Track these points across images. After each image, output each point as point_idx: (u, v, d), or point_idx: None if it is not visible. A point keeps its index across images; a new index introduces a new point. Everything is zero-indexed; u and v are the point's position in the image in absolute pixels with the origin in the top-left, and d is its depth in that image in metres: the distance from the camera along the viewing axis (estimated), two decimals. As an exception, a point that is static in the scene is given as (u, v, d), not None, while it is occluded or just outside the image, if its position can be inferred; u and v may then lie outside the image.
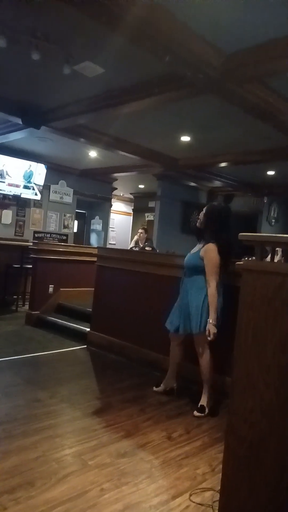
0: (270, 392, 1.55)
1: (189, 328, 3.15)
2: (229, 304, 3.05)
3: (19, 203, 9.07)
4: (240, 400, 1.63)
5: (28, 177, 8.77)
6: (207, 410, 3.07)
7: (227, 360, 2.87)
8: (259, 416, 1.57)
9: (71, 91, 5.00)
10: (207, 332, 3.00)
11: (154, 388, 3.45)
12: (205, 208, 3.26)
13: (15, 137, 7.05)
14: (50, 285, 6.02)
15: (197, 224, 3.28)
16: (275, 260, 1.75)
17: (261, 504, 1.57)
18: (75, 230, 10.92)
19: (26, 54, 3.84)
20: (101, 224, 11.32)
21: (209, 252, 3.09)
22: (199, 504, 1.98)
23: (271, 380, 1.55)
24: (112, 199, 11.77)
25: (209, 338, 3.00)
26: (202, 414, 3.03)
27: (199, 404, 3.10)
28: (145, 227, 8.21)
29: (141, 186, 11.72)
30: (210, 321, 2.99)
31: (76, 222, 10.92)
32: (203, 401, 3.12)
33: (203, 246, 3.17)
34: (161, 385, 3.45)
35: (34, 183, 8.91)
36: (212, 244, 3.11)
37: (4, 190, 8.51)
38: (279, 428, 1.53)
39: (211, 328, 2.99)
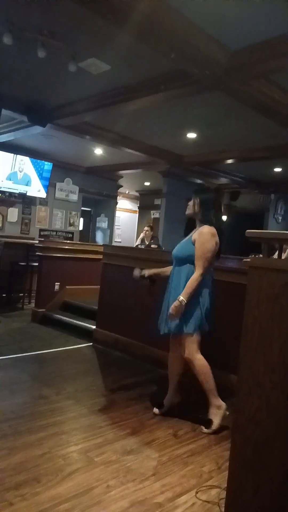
0: (276, 392, 1.54)
1: (179, 328, 2.75)
2: (235, 302, 3.03)
3: (25, 201, 9.10)
4: (246, 399, 1.63)
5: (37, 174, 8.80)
6: (216, 424, 2.71)
7: (234, 357, 2.84)
8: (265, 415, 1.56)
9: (76, 88, 5.00)
10: (170, 309, 2.67)
11: (156, 411, 2.94)
12: (198, 196, 2.88)
13: (21, 135, 7.07)
14: (56, 283, 6.03)
15: (187, 212, 2.94)
16: (282, 258, 1.74)
17: (267, 502, 1.56)
18: (81, 228, 10.95)
19: (32, 52, 3.85)
20: (106, 222, 11.33)
21: (203, 235, 2.72)
22: (205, 501, 1.98)
23: (277, 380, 1.54)
24: (118, 197, 11.77)
25: (169, 311, 2.67)
26: (209, 430, 2.70)
27: (207, 418, 2.77)
28: (151, 224, 8.20)
29: (147, 184, 11.71)
30: (180, 298, 2.64)
31: (81, 220, 10.94)
32: (211, 412, 2.77)
33: (194, 232, 2.86)
34: (164, 405, 2.96)
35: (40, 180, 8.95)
36: (208, 226, 2.75)
37: (10, 188, 8.54)
38: (285, 428, 1.52)
39: (175, 303, 2.64)
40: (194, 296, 2.72)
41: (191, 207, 2.90)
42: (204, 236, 2.73)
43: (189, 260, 2.78)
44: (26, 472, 2.10)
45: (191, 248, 2.77)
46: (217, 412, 2.76)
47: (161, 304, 2.95)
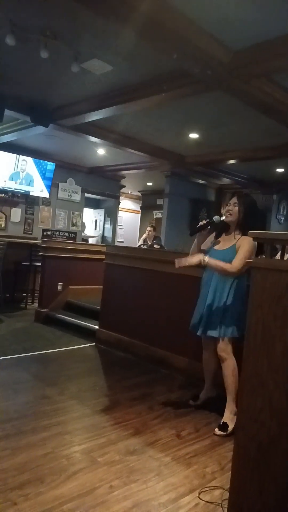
0: (279, 392, 1.54)
1: (218, 331, 2.80)
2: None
3: (28, 201, 9.11)
4: (249, 399, 1.63)
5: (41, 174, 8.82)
6: (230, 429, 2.69)
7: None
8: (268, 415, 1.56)
9: (79, 88, 5.00)
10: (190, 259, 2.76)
11: (191, 402, 3.14)
12: (240, 198, 2.87)
13: (23, 135, 7.08)
14: (59, 283, 6.04)
15: (227, 217, 2.89)
16: (285, 258, 1.74)
17: (271, 503, 1.56)
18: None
19: (35, 53, 3.86)
20: (109, 222, 11.34)
21: (250, 244, 2.69)
22: (208, 502, 1.98)
23: (280, 380, 1.54)
24: (120, 197, 11.77)
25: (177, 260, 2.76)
26: (224, 433, 2.68)
27: (221, 421, 2.76)
28: (154, 225, 8.20)
29: (149, 184, 11.70)
30: (206, 258, 2.73)
31: (86, 219, 10.96)
32: (226, 417, 2.78)
33: (237, 240, 2.83)
34: (200, 397, 3.15)
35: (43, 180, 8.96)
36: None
37: (12, 188, 8.55)
38: (289, 427, 1.52)
39: (200, 257, 2.73)
40: (238, 299, 2.76)
41: (236, 213, 2.86)
42: (250, 245, 2.69)
43: None
44: (29, 472, 2.11)
45: (235, 255, 2.75)
46: (233, 417, 2.73)
47: (165, 306, 2.88)
